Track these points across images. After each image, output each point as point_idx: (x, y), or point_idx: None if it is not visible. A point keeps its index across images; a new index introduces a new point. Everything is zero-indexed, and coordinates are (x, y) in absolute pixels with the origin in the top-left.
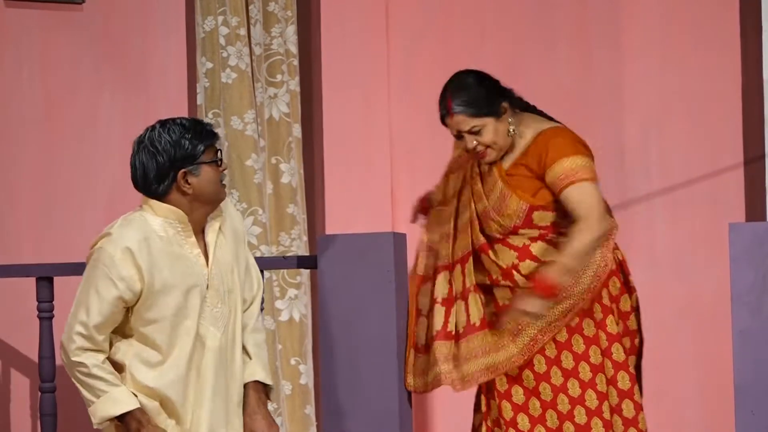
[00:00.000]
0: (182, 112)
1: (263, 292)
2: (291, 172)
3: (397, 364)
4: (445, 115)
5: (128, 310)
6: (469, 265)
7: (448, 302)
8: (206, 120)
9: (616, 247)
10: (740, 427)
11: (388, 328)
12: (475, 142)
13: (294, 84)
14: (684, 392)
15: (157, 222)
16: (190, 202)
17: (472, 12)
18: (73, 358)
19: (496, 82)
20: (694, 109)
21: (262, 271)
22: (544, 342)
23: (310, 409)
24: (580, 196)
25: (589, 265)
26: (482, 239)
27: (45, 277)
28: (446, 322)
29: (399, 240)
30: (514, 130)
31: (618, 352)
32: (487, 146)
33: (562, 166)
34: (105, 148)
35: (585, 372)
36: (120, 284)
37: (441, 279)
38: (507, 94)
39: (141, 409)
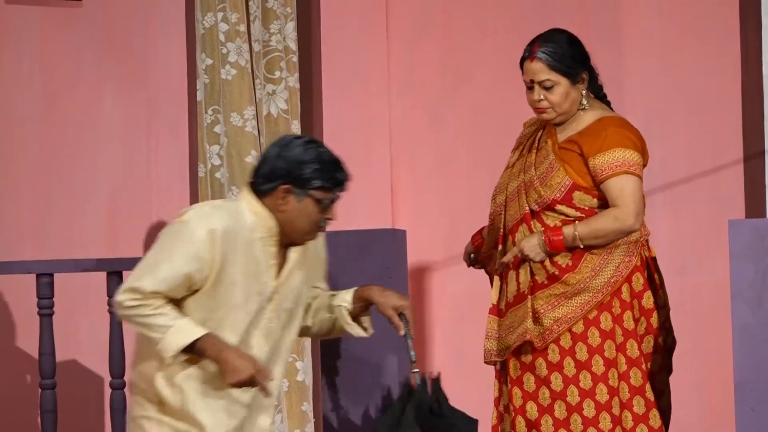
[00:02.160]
0: (182, 108)
1: None
2: None
3: (396, 360)
4: (526, 57)
5: (189, 293)
6: (519, 234)
7: (501, 276)
8: (338, 170)
9: (644, 245)
10: (740, 424)
11: (387, 324)
12: (542, 95)
13: (293, 80)
14: (684, 389)
15: (249, 218)
16: (280, 221)
17: (473, 9)
18: (128, 312)
19: (587, 54)
20: (694, 106)
21: None
22: (561, 332)
23: (308, 406)
24: (623, 187)
25: (611, 261)
26: (526, 208)
27: (45, 274)
28: (499, 299)
29: (399, 236)
30: (583, 103)
31: (632, 349)
32: (550, 106)
33: (614, 155)
34: (106, 144)
35: (598, 365)
36: (194, 263)
37: (497, 253)
38: (591, 69)
39: (213, 334)
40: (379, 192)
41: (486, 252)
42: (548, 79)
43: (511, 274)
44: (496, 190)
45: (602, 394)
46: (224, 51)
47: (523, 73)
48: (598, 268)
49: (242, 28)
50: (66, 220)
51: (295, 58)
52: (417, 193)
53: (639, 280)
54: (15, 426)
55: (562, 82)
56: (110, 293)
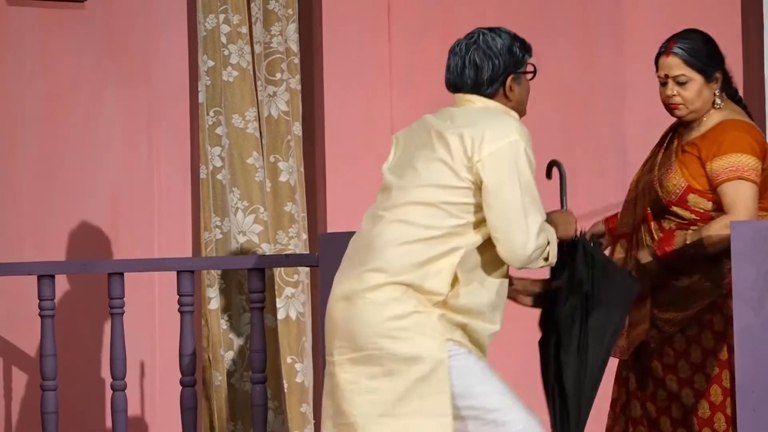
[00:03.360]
0: (184, 110)
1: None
2: (289, 171)
3: None
4: (662, 53)
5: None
6: (641, 233)
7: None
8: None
9: None
10: (742, 425)
11: None
12: (675, 91)
13: (295, 82)
14: None
15: None
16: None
17: (474, 10)
18: (534, 255)
19: (722, 55)
20: None
21: (263, 270)
22: (673, 333)
23: (307, 408)
24: (737, 192)
25: (724, 263)
26: (648, 209)
27: (46, 275)
28: None
29: None
30: (718, 102)
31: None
32: (682, 102)
33: (730, 160)
34: (107, 145)
35: (712, 367)
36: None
37: (619, 247)
38: (725, 71)
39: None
40: None
41: (616, 235)
42: (683, 74)
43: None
44: (630, 185)
45: (716, 395)
46: (226, 53)
47: (657, 69)
48: (708, 272)
49: (244, 29)
50: (67, 221)
51: (296, 60)
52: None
53: None
54: (17, 428)
55: (696, 79)
56: (112, 294)
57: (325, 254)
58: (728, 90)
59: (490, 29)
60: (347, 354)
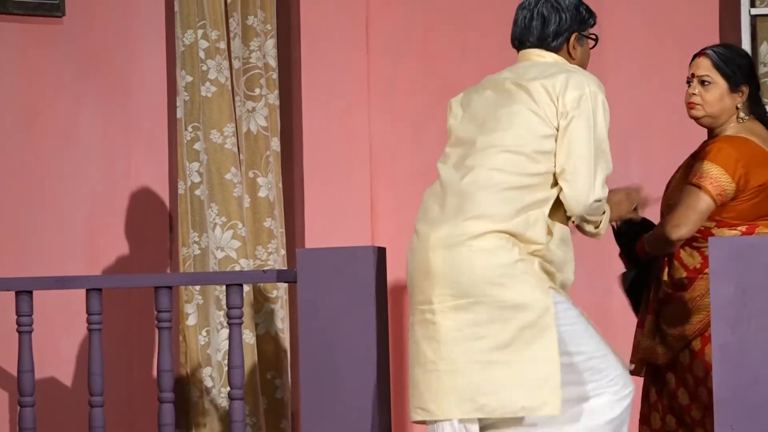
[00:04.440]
0: (162, 125)
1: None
2: (268, 186)
3: (376, 378)
4: (696, 54)
5: None
6: None
7: None
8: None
9: None
10: None
11: (368, 342)
12: (697, 90)
13: (273, 98)
14: None
15: None
16: None
17: (454, 24)
18: (594, 206)
19: (754, 72)
20: (674, 120)
21: (241, 285)
22: (681, 347)
23: (286, 424)
24: (687, 198)
25: None
26: None
27: (24, 291)
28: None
29: (379, 254)
30: (742, 116)
31: None
32: (701, 102)
33: (702, 166)
34: (85, 161)
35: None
36: None
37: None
38: (755, 88)
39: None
40: (358, 209)
41: None
42: (708, 75)
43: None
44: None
45: None
46: (204, 68)
47: (690, 68)
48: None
49: (222, 45)
50: (45, 236)
51: (275, 75)
52: (397, 210)
53: None
54: None
55: (720, 83)
56: (90, 310)
57: (304, 270)
58: (757, 110)
59: None
60: (450, 301)
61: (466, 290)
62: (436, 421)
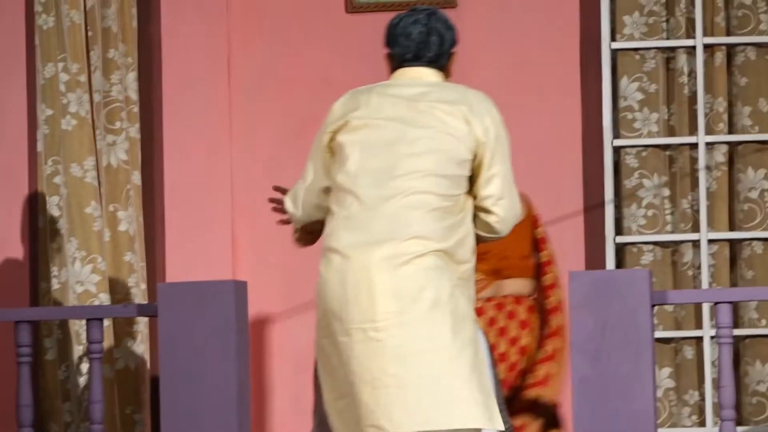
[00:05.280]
0: (22, 158)
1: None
2: (129, 220)
3: (236, 412)
4: None
5: None
6: None
7: None
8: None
9: None
10: None
11: (229, 376)
12: None
13: (134, 131)
14: None
15: None
16: None
17: (315, 60)
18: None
19: None
20: (534, 157)
21: (101, 320)
22: None
23: None
24: None
25: None
26: None
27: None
28: None
29: (240, 288)
30: None
31: None
32: None
33: None
34: None
35: None
36: None
37: None
38: None
39: None
40: (220, 244)
41: None
42: None
43: None
44: None
45: None
46: (65, 101)
47: None
48: None
49: (83, 78)
50: None
51: (136, 109)
52: (258, 245)
53: None
54: None
55: None
56: None
57: (165, 304)
58: None
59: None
60: (395, 318)
61: (409, 307)
62: None
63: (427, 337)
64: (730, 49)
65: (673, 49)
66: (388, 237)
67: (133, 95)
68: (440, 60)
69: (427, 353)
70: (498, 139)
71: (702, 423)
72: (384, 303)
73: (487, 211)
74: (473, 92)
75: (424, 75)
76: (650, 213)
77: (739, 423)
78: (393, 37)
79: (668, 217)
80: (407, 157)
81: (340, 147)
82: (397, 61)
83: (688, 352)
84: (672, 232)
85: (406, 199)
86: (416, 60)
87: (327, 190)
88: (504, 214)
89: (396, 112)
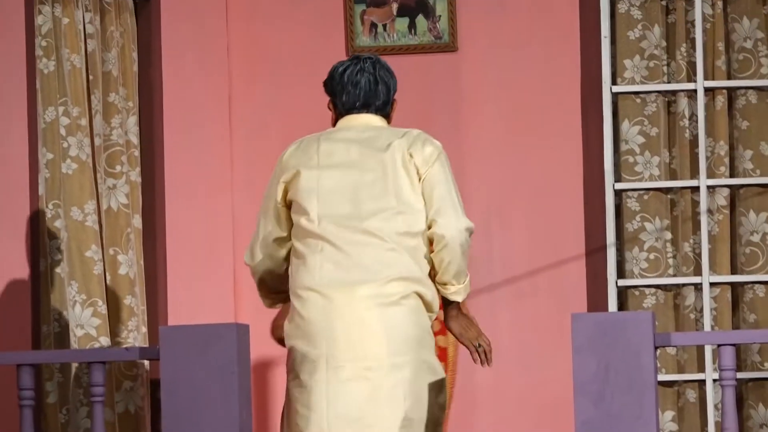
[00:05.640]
0: (24, 202)
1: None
2: (129, 263)
3: None
4: None
5: None
6: None
7: None
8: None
9: None
10: None
11: (231, 419)
12: None
13: (135, 174)
14: None
15: None
16: None
17: (316, 102)
18: (466, 247)
19: None
20: (536, 199)
21: (104, 363)
22: None
23: None
24: None
25: None
26: None
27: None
28: None
29: (242, 331)
30: None
31: None
32: None
33: None
34: None
35: None
36: None
37: None
38: None
39: None
40: (221, 286)
41: None
42: None
43: None
44: None
45: None
46: (65, 145)
47: None
48: None
49: (84, 122)
50: None
51: (137, 153)
52: None
53: None
54: None
55: None
56: None
57: (167, 347)
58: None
59: (370, 55)
60: (387, 359)
61: (401, 349)
62: None
63: (408, 381)
64: (731, 92)
65: (674, 92)
66: (368, 278)
67: (134, 139)
68: (386, 107)
69: (407, 398)
70: (436, 163)
71: None
72: (377, 343)
73: (435, 234)
74: (418, 132)
75: (372, 121)
76: (652, 256)
77: None
78: (340, 85)
79: (670, 261)
80: (369, 200)
81: (296, 196)
82: (344, 109)
83: (691, 395)
84: (674, 275)
85: (378, 240)
86: (364, 108)
87: (280, 241)
88: (443, 221)
89: (349, 157)
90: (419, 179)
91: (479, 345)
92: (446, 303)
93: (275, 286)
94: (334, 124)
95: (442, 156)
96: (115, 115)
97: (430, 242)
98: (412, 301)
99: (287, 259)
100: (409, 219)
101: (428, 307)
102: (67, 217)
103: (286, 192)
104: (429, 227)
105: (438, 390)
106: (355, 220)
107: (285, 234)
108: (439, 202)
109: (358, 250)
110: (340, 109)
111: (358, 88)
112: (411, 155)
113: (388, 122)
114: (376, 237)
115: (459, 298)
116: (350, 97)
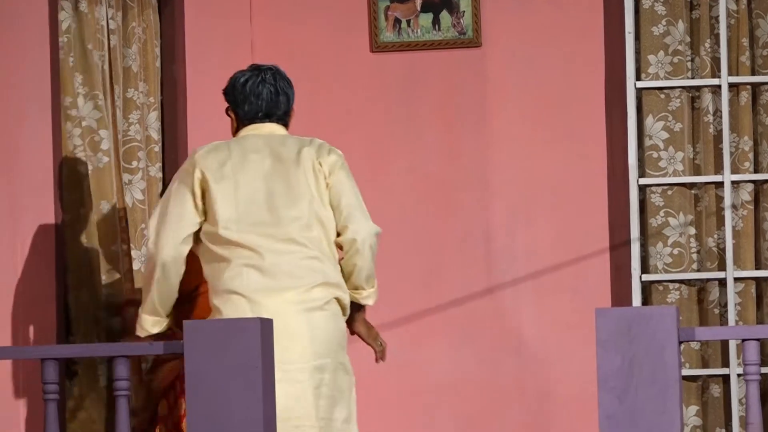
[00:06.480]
0: (48, 197)
1: None
2: (142, 259)
3: None
4: None
5: None
6: None
7: None
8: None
9: None
10: None
11: (254, 414)
12: None
13: (155, 170)
14: None
15: None
16: None
17: (340, 98)
18: (375, 250)
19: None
20: (560, 195)
21: (128, 357)
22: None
23: None
24: None
25: None
26: None
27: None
28: None
29: (266, 326)
30: None
31: None
32: None
33: None
34: None
35: None
36: None
37: None
38: None
39: None
40: None
41: None
42: None
43: None
44: None
45: None
46: (95, 139)
47: None
48: None
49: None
50: None
51: (157, 148)
52: None
53: None
54: None
55: None
56: None
57: (191, 341)
58: None
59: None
60: (311, 361)
61: (323, 351)
62: None
63: (329, 382)
64: (755, 88)
65: (698, 88)
66: (294, 284)
67: (155, 134)
68: (286, 117)
69: (328, 398)
70: (340, 169)
71: None
72: (302, 346)
73: (347, 240)
74: (318, 139)
75: (276, 130)
76: (676, 251)
77: None
78: (242, 95)
79: (694, 256)
80: (285, 208)
81: (212, 203)
82: (246, 118)
83: (715, 390)
84: (698, 270)
85: (299, 246)
86: (267, 117)
87: (190, 235)
88: (353, 224)
89: (263, 165)
90: (326, 186)
91: (380, 344)
92: (354, 307)
93: (169, 288)
94: (234, 132)
95: (345, 163)
96: (134, 110)
97: (340, 248)
98: (333, 306)
99: (185, 260)
100: (325, 225)
101: (344, 311)
102: (96, 211)
103: (201, 189)
104: (338, 234)
105: (350, 388)
106: (274, 227)
107: (198, 227)
108: (348, 208)
109: (281, 258)
110: (242, 117)
111: (260, 98)
112: (321, 164)
113: (287, 129)
114: (298, 244)
115: (371, 302)
116: (252, 107)
